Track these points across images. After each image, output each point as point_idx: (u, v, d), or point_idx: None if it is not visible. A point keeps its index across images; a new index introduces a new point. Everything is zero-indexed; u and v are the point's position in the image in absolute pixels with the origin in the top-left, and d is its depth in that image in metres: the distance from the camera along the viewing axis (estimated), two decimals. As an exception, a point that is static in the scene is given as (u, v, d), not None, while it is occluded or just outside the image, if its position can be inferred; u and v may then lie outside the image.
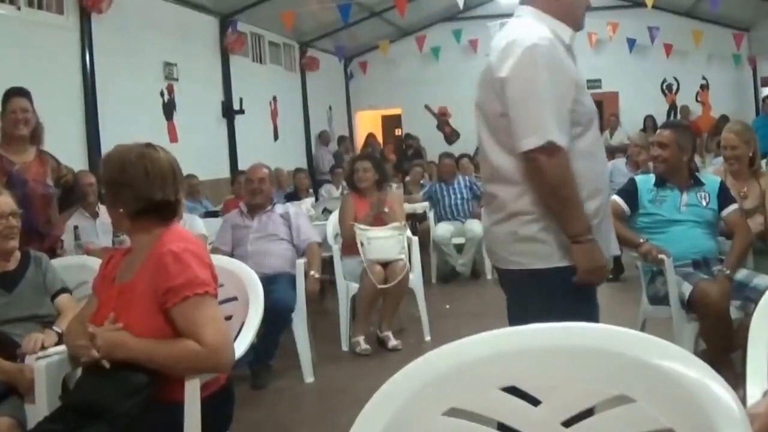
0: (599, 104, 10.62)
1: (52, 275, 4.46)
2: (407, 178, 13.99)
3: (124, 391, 3.01)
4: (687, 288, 4.95)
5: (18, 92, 5.78)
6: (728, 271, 4.99)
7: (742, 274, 5.13)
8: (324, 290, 8.19)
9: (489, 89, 3.37)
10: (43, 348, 3.94)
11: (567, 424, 1.76)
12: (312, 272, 6.68)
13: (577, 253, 3.20)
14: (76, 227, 6.72)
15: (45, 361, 3.53)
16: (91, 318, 3.30)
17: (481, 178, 3.53)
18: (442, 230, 10.77)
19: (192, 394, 3.14)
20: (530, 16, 3.37)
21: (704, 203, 5.33)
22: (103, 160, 3.50)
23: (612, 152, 13.21)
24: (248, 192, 7.12)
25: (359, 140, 21.06)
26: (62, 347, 3.56)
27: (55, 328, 4.20)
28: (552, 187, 3.16)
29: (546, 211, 3.25)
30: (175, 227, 3.40)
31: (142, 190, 3.27)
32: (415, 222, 11.55)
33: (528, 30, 3.26)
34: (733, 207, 5.36)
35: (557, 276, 3.26)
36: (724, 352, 4.84)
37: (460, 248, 10.88)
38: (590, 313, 3.30)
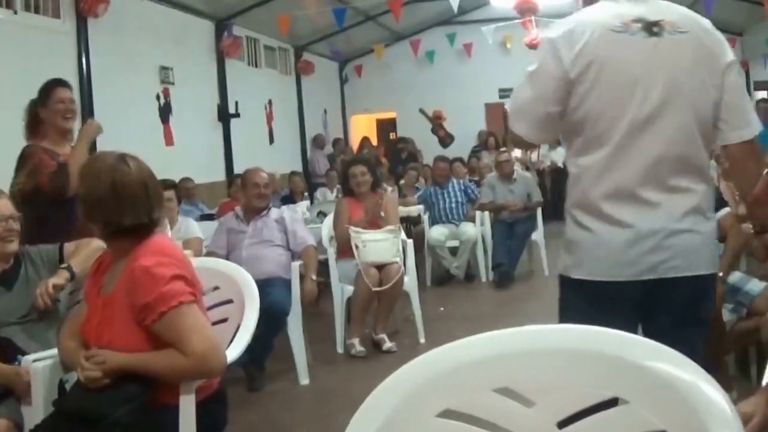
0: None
1: (46, 253, 4.38)
2: (402, 182, 14.01)
3: (119, 398, 3.01)
4: None
5: (62, 83, 5.54)
6: (721, 274, 5.00)
7: (735, 277, 5.13)
8: (319, 293, 8.20)
9: (707, 69, 3.00)
10: (55, 288, 4.00)
11: (561, 425, 1.77)
12: (310, 275, 6.68)
13: None
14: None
15: (41, 364, 3.53)
16: (81, 329, 3.31)
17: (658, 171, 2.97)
18: (436, 233, 10.78)
19: (187, 397, 3.15)
20: None
21: None
22: (80, 172, 3.43)
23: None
24: (255, 196, 7.09)
25: (354, 144, 21.05)
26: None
27: (64, 266, 4.16)
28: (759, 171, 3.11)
29: None
30: (153, 240, 3.30)
31: (112, 214, 3.20)
32: (410, 225, 11.57)
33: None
34: (725, 211, 5.37)
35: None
36: (717, 354, 4.85)
37: (454, 251, 10.90)
38: None
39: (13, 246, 4.21)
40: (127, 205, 3.19)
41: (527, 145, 14.13)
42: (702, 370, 1.63)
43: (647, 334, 2.98)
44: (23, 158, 5.28)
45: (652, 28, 2.95)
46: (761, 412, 1.95)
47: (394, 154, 19.49)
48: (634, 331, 3.02)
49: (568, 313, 3.11)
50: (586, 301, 3.03)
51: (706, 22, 3.07)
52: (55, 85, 5.48)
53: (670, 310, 3.00)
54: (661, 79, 2.91)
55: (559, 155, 17.65)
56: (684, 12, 3.08)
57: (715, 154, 5.94)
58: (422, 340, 7.57)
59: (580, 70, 2.93)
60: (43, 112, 5.38)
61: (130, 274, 3.12)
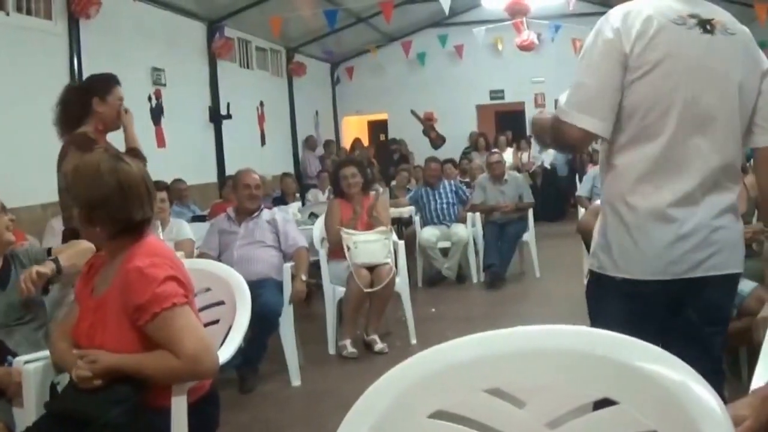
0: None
1: (34, 254, 4.35)
2: (393, 183, 14.03)
3: (110, 400, 3.00)
4: None
5: (119, 81, 5.57)
6: None
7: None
8: (311, 294, 8.20)
9: (752, 74, 3.05)
10: (39, 276, 3.92)
11: (551, 426, 1.78)
12: (300, 276, 6.68)
13: None
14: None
15: (33, 365, 3.52)
16: (73, 330, 3.31)
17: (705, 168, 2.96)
18: (427, 234, 10.79)
19: (179, 399, 3.15)
20: None
21: None
22: (71, 174, 3.36)
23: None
24: (246, 197, 7.09)
25: (346, 145, 21.05)
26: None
27: (51, 258, 4.11)
28: None
29: None
30: (147, 240, 3.31)
31: (120, 211, 3.20)
32: (401, 226, 11.57)
33: None
34: None
35: None
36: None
37: (445, 252, 10.90)
38: None
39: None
40: (135, 202, 3.22)
41: (519, 146, 13.97)
42: (691, 370, 1.64)
43: (670, 332, 2.99)
44: (87, 142, 5.12)
45: (706, 25, 2.96)
46: (754, 414, 1.95)
47: (385, 156, 19.51)
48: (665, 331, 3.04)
49: (603, 314, 3.08)
50: (623, 301, 3.01)
51: (746, 29, 3.11)
52: (115, 82, 5.51)
53: (700, 309, 2.99)
54: (715, 77, 2.92)
55: (548, 156, 17.72)
56: (729, 15, 3.11)
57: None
58: (414, 341, 7.57)
59: (637, 56, 2.88)
60: (99, 104, 5.36)
61: (125, 275, 3.13)
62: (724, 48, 2.95)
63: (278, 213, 7.35)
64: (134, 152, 5.19)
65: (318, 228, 7.98)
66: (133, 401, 3.04)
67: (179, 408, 3.14)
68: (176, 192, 10.77)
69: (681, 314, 3.01)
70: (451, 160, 14.29)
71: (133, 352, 3.11)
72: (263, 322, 5.96)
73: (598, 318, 3.11)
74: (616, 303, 3.03)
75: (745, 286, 5.02)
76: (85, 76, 10.28)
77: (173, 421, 3.13)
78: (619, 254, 3.00)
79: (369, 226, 7.61)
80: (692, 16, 2.95)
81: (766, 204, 3.20)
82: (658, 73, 2.87)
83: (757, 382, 2.32)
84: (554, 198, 14.02)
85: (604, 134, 2.94)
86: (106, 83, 5.46)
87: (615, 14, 2.95)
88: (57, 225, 6.41)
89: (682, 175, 2.90)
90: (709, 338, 2.96)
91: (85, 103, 5.35)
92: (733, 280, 3.05)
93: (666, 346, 1.73)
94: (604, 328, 1.83)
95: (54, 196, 5.36)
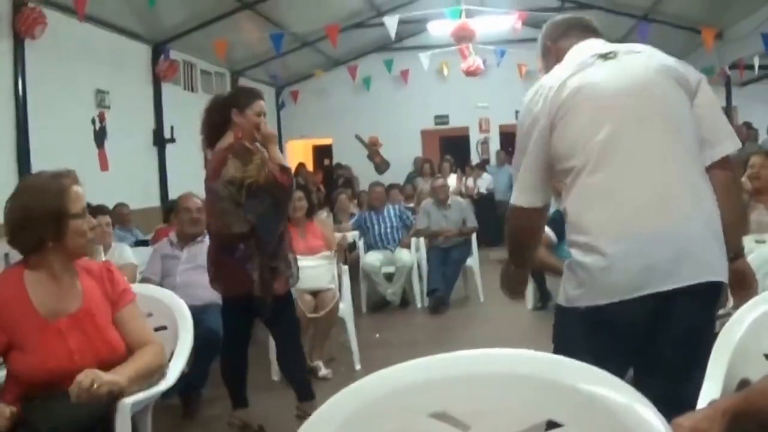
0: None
1: None
2: (336, 206, 14.04)
3: (81, 417, 3.08)
4: None
5: (262, 96, 5.67)
6: None
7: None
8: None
9: (675, 87, 3.03)
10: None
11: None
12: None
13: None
14: (6, 254, 6.47)
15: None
16: (42, 363, 3.21)
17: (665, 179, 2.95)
18: (371, 259, 10.81)
19: (122, 414, 3.15)
20: None
21: None
22: (25, 192, 3.41)
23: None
24: (188, 222, 7.04)
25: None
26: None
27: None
28: (741, 193, 3.12)
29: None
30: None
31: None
32: (345, 251, 11.57)
33: None
34: None
35: None
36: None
37: (389, 277, 10.92)
38: None
39: None
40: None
41: (464, 172, 14.01)
42: (637, 392, 1.65)
43: (642, 365, 2.99)
44: (246, 152, 5.30)
45: (607, 55, 3.10)
46: (715, 427, 1.95)
47: (330, 181, 19.50)
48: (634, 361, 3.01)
49: (569, 348, 2.70)
50: (590, 331, 2.95)
51: (656, 50, 3.19)
52: (257, 96, 5.59)
53: (677, 333, 2.89)
54: (628, 91, 2.98)
55: (484, 181, 17.88)
56: (639, 46, 3.20)
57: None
58: (358, 367, 7.56)
59: (554, 116, 3.02)
60: (237, 116, 5.42)
61: (102, 272, 3.48)
62: (630, 64, 3.05)
63: (222, 237, 7.30)
64: (284, 170, 5.42)
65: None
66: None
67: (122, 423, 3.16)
68: (119, 216, 10.67)
69: (655, 344, 2.94)
70: (396, 185, 14.34)
71: (117, 349, 3.34)
72: (206, 347, 5.91)
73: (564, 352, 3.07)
74: (582, 334, 2.99)
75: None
76: (28, 96, 10.22)
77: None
78: (581, 283, 2.99)
79: (312, 251, 7.60)
80: (592, 55, 3.12)
81: (724, 231, 3.03)
82: (574, 113, 2.99)
83: (703, 400, 2.34)
84: (493, 223, 14.08)
85: (542, 203, 3.23)
86: (247, 96, 5.57)
87: (527, 95, 3.20)
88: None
89: (627, 194, 2.90)
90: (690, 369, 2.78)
91: (225, 113, 5.47)
92: (709, 291, 2.92)
93: (641, 384, 1.75)
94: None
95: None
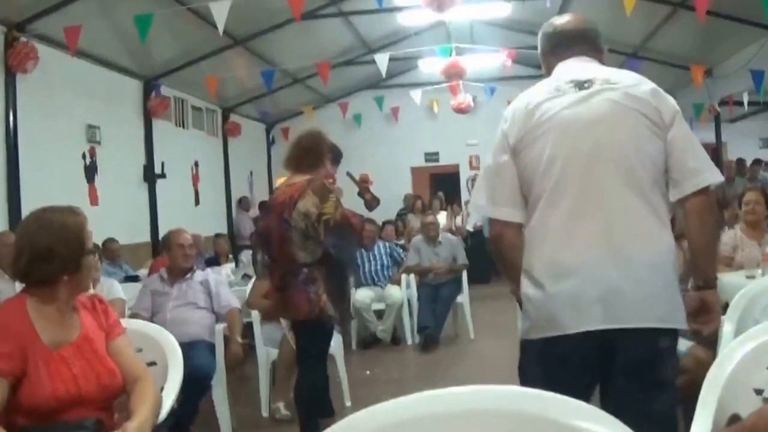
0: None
1: None
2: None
3: None
4: None
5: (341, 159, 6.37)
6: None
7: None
8: (244, 355, 8.12)
9: (640, 124, 3.04)
10: None
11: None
12: (236, 338, 6.63)
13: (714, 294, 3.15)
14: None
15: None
16: (44, 393, 3.20)
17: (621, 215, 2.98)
18: (362, 296, 10.78)
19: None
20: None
21: None
22: (29, 229, 3.41)
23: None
24: (180, 257, 7.02)
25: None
26: None
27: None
28: (717, 225, 3.10)
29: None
30: None
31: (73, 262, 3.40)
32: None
33: None
34: None
35: None
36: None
37: (380, 314, 10.89)
38: None
39: None
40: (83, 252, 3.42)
41: (453, 209, 13.98)
42: (624, 426, 1.65)
43: (604, 399, 3.00)
44: (324, 190, 5.62)
45: (583, 84, 3.10)
46: None
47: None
48: (590, 394, 3.02)
49: (530, 380, 2.87)
50: (545, 361, 3.01)
51: (639, 80, 3.17)
52: (340, 160, 6.39)
53: (625, 370, 2.93)
54: (590, 130, 3.01)
55: (472, 218, 17.95)
56: (623, 73, 3.21)
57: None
58: (348, 404, 7.53)
59: (519, 140, 3.09)
60: (329, 165, 6.00)
61: (94, 303, 3.54)
62: (600, 99, 3.06)
63: (211, 274, 7.31)
64: (356, 214, 6.02)
65: (251, 289, 7.94)
66: None
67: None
68: (108, 252, 10.67)
69: (611, 378, 2.98)
70: (389, 222, 14.37)
71: (114, 375, 3.39)
72: (195, 384, 5.87)
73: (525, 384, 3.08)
74: (539, 366, 3.05)
75: (682, 345, 5.06)
76: (19, 130, 10.22)
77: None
78: (528, 315, 3.06)
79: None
80: (570, 81, 3.13)
81: (695, 259, 3.12)
82: (537, 146, 3.04)
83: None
84: (482, 259, 14.03)
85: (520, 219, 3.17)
86: (338, 157, 6.34)
87: (508, 108, 3.25)
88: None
89: (583, 228, 2.95)
90: (648, 402, 2.90)
91: (319, 149, 5.88)
92: (662, 335, 2.95)
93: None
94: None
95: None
